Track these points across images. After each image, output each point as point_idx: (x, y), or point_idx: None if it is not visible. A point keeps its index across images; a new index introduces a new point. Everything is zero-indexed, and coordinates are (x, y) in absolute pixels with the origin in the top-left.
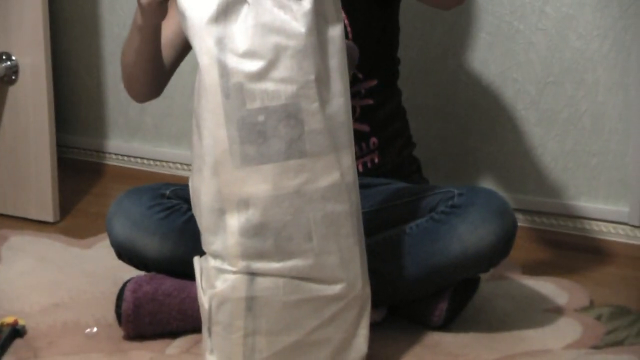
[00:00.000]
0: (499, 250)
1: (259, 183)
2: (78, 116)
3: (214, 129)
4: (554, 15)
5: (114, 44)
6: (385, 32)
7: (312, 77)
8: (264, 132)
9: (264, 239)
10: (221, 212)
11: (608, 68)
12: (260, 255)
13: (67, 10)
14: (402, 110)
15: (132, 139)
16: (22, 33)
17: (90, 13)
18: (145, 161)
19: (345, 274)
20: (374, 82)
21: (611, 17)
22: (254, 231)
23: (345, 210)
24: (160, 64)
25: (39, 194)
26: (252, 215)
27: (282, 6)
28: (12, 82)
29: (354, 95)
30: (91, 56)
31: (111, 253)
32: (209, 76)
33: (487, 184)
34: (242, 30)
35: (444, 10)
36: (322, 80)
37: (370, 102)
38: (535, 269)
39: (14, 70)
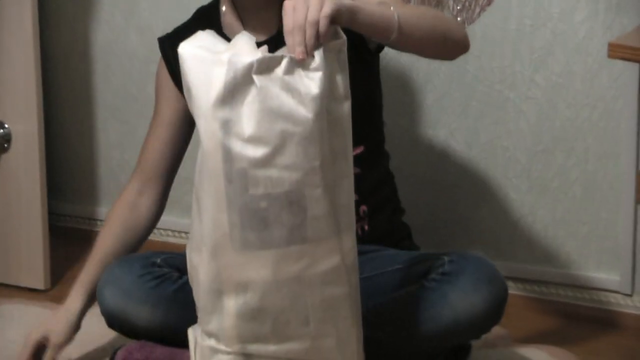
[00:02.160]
0: (490, 317)
1: (258, 268)
2: (70, 184)
3: (215, 213)
4: (544, 84)
5: (107, 112)
6: (369, 96)
7: (317, 163)
8: (265, 219)
9: (261, 323)
10: (219, 293)
11: (598, 137)
12: (257, 338)
13: (60, 79)
14: (390, 175)
15: None
16: (15, 101)
17: (83, 81)
18: None
19: (341, 356)
20: (361, 149)
21: (601, 86)
22: (251, 315)
23: (344, 293)
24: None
25: (30, 261)
26: (250, 299)
27: (290, 89)
28: (4, 150)
29: None
30: (83, 124)
31: (102, 321)
32: (212, 160)
33: (478, 251)
34: (248, 114)
35: (449, 60)
36: (326, 165)
37: (358, 170)
38: (526, 337)
39: (7, 138)
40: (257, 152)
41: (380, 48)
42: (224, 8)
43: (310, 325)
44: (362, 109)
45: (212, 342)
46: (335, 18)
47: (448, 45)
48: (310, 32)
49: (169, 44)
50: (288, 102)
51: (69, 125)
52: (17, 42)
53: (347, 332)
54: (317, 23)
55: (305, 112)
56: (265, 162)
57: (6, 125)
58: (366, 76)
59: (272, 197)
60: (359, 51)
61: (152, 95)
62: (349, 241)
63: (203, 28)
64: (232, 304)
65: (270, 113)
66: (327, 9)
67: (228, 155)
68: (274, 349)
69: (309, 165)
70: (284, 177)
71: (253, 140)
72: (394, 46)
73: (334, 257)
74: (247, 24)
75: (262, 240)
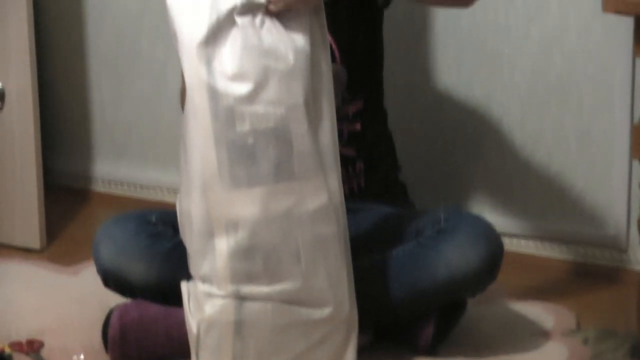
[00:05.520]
0: (485, 275)
1: (248, 205)
2: (64, 142)
3: (203, 151)
4: (538, 37)
5: (100, 68)
6: (371, 51)
7: (301, 99)
8: (253, 155)
9: (253, 262)
10: (210, 235)
11: (593, 90)
12: (249, 279)
13: (53, 35)
14: (388, 133)
15: (118, 164)
16: (9, 58)
17: (77, 37)
18: (131, 187)
19: (332, 296)
20: (361, 103)
21: (595, 38)
22: (243, 254)
23: (333, 232)
24: None
25: (25, 220)
26: (241, 237)
27: (270, 30)
28: None
29: (342, 119)
30: (77, 81)
31: (98, 279)
32: (199, 98)
33: (473, 207)
34: (231, 52)
35: (464, 8)
36: (310, 103)
37: (358, 126)
38: (521, 292)
39: (0, 97)
40: (241, 88)
41: (387, 3)
42: None
43: (301, 263)
44: (364, 65)
45: (205, 287)
46: None
47: None
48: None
49: None
50: (268, 39)
51: (63, 82)
52: None
53: (338, 272)
54: None
55: (285, 50)
56: (250, 98)
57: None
58: (369, 32)
59: (259, 132)
60: (364, 7)
61: (146, 50)
62: (335, 181)
63: None
64: (223, 243)
65: (253, 50)
66: None
67: (214, 94)
68: (267, 290)
69: (293, 101)
70: (270, 112)
71: (237, 77)
72: None
73: (321, 195)
74: None
75: (251, 176)
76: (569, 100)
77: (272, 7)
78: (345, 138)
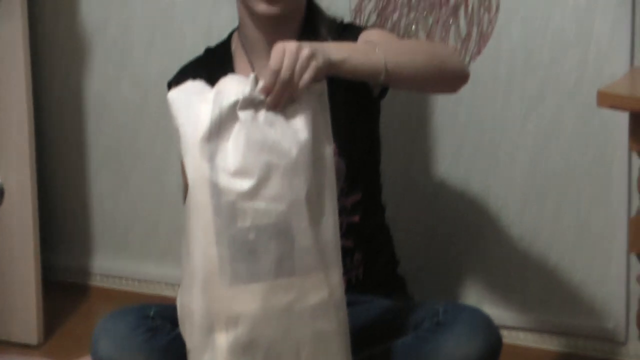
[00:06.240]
0: None
1: (248, 301)
2: (63, 236)
3: (204, 247)
4: (535, 130)
5: (99, 163)
6: (368, 143)
7: (303, 194)
8: (254, 250)
9: (253, 357)
10: (210, 330)
11: (590, 182)
12: None
13: (53, 130)
14: (386, 226)
15: (117, 258)
16: (8, 154)
17: (76, 132)
18: (130, 281)
19: None
20: (359, 196)
21: (591, 131)
22: (242, 349)
23: (333, 329)
24: None
25: (24, 316)
26: (241, 333)
27: (272, 124)
28: None
29: (340, 211)
30: (76, 176)
31: None
32: (200, 194)
33: (471, 299)
34: (234, 148)
35: (451, 93)
36: (312, 199)
37: (357, 218)
38: None
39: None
40: (243, 184)
41: (383, 94)
42: (233, 47)
43: (301, 359)
44: (361, 156)
45: None
46: (317, 76)
47: (446, 78)
48: (289, 92)
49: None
50: (271, 135)
51: (62, 177)
52: (10, 93)
53: None
54: (297, 85)
55: (288, 145)
56: (252, 194)
57: None
58: (366, 123)
59: (260, 228)
60: (361, 99)
61: (145, 145)
62: (336, 277)
63: (214, 66)
64: (223, 339)
65: (255, 146)
66: (309, 74)
67: (215, 189)
68: None
69: (294, 197)
70: (271, 208)
71: (239, 173)
72: (389, 86)
73: (322, 291)
74: (257, 65)
75: (251, 272)
76: (567, 193)
77: (273, 104)
78: (344, 229)
